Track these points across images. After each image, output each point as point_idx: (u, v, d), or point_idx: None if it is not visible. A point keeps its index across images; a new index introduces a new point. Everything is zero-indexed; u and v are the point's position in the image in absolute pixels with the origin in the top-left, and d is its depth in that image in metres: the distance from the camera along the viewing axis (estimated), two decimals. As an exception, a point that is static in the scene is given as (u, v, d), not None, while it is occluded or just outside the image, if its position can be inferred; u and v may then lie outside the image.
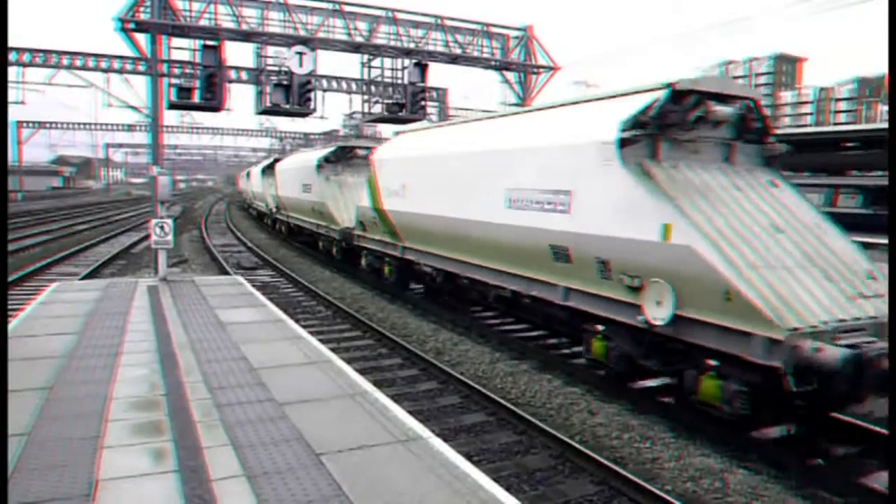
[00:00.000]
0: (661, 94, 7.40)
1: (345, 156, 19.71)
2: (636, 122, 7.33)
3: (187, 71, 17.46)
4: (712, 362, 6.42)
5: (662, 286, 6.71)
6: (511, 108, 18.35)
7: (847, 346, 5.55)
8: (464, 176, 10.80)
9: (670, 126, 7.51)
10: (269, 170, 31.31)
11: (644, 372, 7.87)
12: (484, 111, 20.08)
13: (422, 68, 19.81)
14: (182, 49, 17.33)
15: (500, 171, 9.58)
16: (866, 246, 7.34)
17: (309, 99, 18.23)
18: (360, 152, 19.64)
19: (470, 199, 10.43)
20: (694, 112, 7.50)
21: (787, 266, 6.46)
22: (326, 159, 19.43)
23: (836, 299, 6.29)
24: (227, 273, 16.96)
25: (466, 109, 24.67)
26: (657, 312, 6.78)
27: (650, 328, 6.92)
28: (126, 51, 16.87)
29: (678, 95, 7.44)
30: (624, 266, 7.23)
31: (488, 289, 10.73)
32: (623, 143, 7.24)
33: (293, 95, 17.93)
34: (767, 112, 8.68)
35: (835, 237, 7.25)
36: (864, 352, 5.49)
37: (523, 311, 11.58)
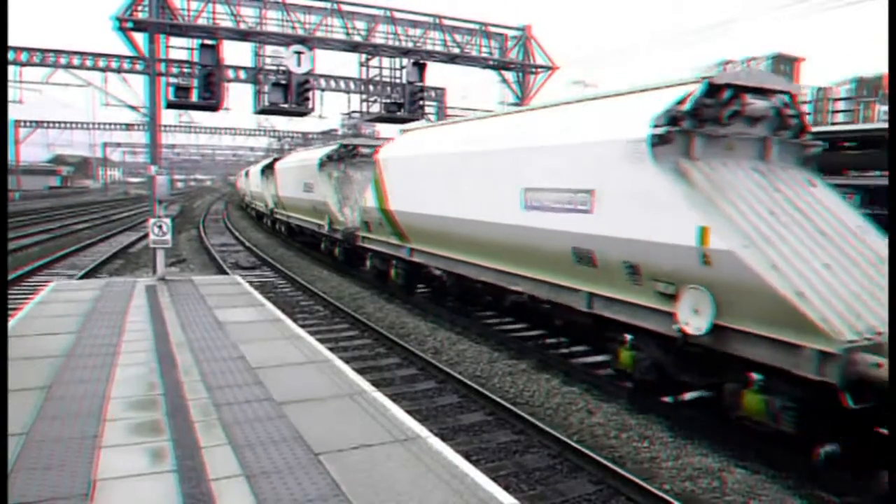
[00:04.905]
0: (697, 88, 7.04)
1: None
2: (670, 118, 6.97)
3: (185, 70, 17.42)
4: (756, 376, 6.01)
5: (701, 293, 6.38)
6: (531, 104, 16.55)
7: None
8: (475, 175, 10.36)
9: (705, 122, 7.12)
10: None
11: (673, 384, 7.48)
12: (484, 111, 20.07)
13: (420, 68, 19.79)
14: (180, 48, 17.29)
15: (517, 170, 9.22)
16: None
17: (307, 98, 18.20)
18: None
19: (483, 199, 9.98)
20: (730, 107, 7.17)
21: (834, 272, 6.08)
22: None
23: (880, 303, 5.89)
24: (225, 273, 16.96)
25: (465, 109, 24.66)
26: (694, 321, 6.44)
27: (685, 338, 6.56)
28: (124, 50, 16.82)
29: (714, 89, 7.09)
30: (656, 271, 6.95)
31: (500, 293, 10.40)
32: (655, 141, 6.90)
33: (291, 95, 17.89)
34: (804, 108, 8.00)
35: (877, 240, 6.86)
36: None
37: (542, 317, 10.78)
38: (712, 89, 7.13)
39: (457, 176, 10.94)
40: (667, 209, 6.66)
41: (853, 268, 6.27)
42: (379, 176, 14.15)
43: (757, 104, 7.30)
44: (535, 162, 8.91)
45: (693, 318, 6.46)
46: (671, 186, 6.67)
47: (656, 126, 6.89)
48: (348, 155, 20.48)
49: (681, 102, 7.03)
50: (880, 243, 6.78)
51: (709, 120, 7.15)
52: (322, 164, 20.54)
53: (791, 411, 5.84)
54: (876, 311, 5.77)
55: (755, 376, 6.04)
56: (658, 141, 6.87)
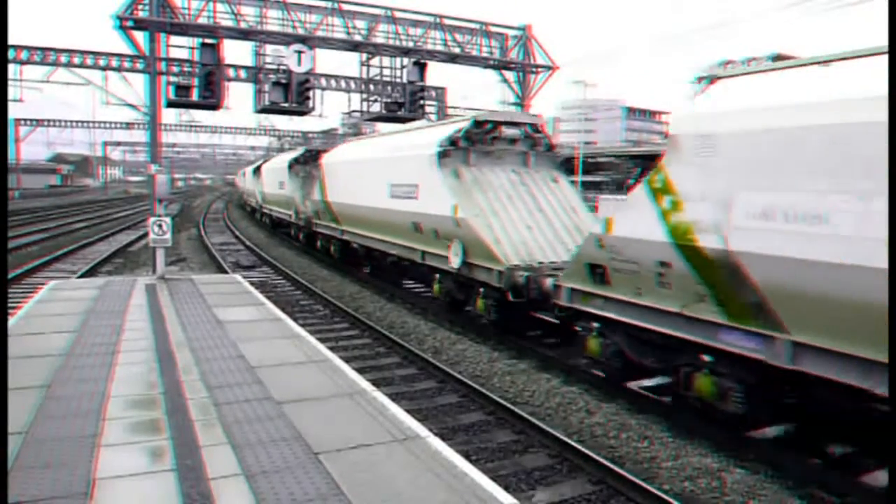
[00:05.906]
0: (467, 123, 11.76)
1: None
2: (450, 141, 11.50)
3: (186, 69, 17.42)
4: (482, 290, 10.64)
5: (458, 243, 10.92)
6: (393, 127, 19.59)
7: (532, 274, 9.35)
8: (369, 175, 15.09)
9: (476, 142, 11.68)
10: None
11: (462, 303, 11.97)
12: (484, 111, 20.04)
13: (420, 67, 19.78)
14: (180, 47, 17.27)
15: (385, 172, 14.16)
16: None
17: (308, 97, 18.19)
18: None
19: (371, 191, 14.57)
20: (491, 133, 11.83)
21: (532, 231, 10.64)
22: None
23: (555, 249, 10.50)
24: (225, 271, 16.95)
25: (467, 108, 24.65)
26: (455, 261, 11.00)
27: (454, 271, 11.14)
28: (124, 49, 16.82)
29: (480, 123, 11.84)
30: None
31: (385, 257, 15.12)
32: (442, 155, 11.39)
33: (292, 94, 17.88)
34: (549, 131, 12.56)
35: (584, 215, 11.47)
36: (531, 275, 9.32)
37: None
38: (478, 123, 11.86)
39: (359, 175, 15.88)
40: (442, 195, 11.19)
41: (549, 230, 10.87)
42: (322, 176, 19.30)
43: (508, 131, 11.97)
44: (395, 166, 13.53)
45: (455, 259, 10.97)
46: (445, 182, 11.18)
47: (441, 146, 11.48)
48: (312, 158, 24.03)
49: (458, 131, 11.63)
50: (585, 219, 11.27)
51: (478, 141, 11.75)
52: (291, 166, 24.91)
53: (494, 308, 10.46)
54: (546, 253, 10.39)
55: (481, 290, 10.65)
56: (441, 155, 11.41)
